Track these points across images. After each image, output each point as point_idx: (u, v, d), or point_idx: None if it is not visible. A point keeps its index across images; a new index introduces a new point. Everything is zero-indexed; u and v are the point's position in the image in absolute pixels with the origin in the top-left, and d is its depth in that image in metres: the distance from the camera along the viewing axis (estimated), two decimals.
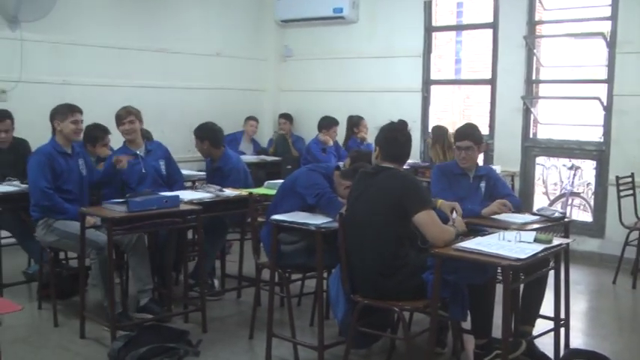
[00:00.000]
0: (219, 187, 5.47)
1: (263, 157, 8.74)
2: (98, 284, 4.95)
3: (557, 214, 4.71)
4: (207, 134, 6.01)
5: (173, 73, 8.69)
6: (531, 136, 7.90)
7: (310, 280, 5.08)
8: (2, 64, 7.18)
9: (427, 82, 8.61)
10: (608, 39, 7.13)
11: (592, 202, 8.10)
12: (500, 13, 7.88)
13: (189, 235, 5.55)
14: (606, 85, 7.25)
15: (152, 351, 4.31)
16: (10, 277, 5.76)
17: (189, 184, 6.50)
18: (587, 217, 8.42)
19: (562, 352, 4.29)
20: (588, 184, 9.53)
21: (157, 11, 8.50)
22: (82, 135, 5.54)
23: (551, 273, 4.22)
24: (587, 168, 9.43)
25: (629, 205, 6.50)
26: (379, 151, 4.04)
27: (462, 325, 4.38)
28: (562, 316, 4.34)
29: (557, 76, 8.07)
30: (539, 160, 8.61)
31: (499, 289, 3.73)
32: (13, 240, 5.84)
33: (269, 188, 5.64)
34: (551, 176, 10.61)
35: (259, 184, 6.12)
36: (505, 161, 7.71)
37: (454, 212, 4.32)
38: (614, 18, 7.08)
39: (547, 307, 4.41)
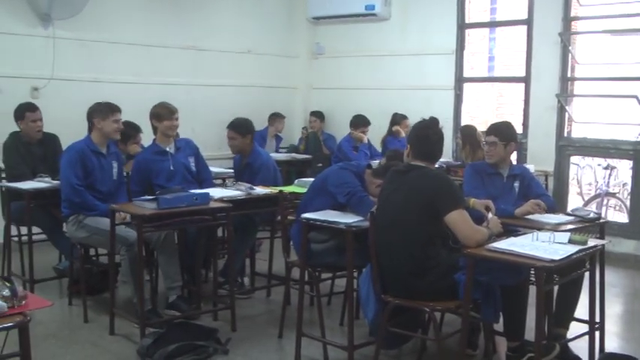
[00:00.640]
0: (249, 185, 5.45)
1: (293, 154, 8.72)
2: (128, 281, 4.97)
3: (592, 215, 4.62)
4: (251, 129, 5.99)
5: (204, 70, 8.71)
6: (566, 134, 7.78)
7: (340, 280, 5.06)
8: (35, 62, 7.24)
9: (460, 80, 8.53)
10: None
11: (628, 203, 7.96)
12: (534, 9, 7.77)
13: (219, 232, 5.54)
14: None
15: (181, 349, 4.31)
16: (41, 272, 5.80)
17: (219, 181, 6.49)
18: (622, 218, 8.28)
19: (597, 356, 4.20)
20: (624, 185, 9.36)
21: (188, 9, 8.52)
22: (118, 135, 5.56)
23: (586, 275, 4.13)
24: (623, 168, 9.27)
25: None
26: (410, 149, 3.99)
27: (494, 327, 4.30)
28: (597, 319, 4.24)
29: (593, 74, 7.93)
30: (574, 159, 8.49)
31: (532, 290, 3.66)
32: (43, 236, 5.87)
33: (299, 186, 5.61)
34: (586, 176, 10.44)
35: (289, 182, 6.09)
36: (539, 160, 7.59)
37: (489, 212, 4.24)
38: None
39: (581, 309, 4.32)
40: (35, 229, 5.65)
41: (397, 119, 8.38)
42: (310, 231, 4.38)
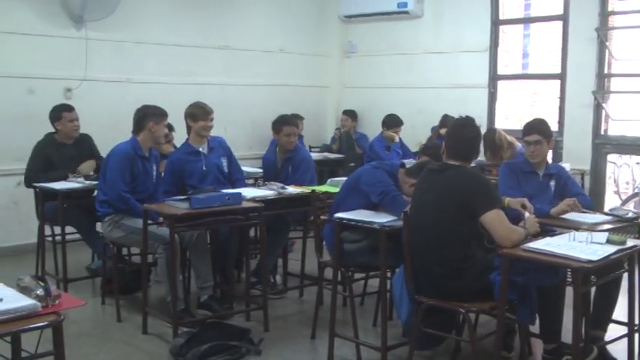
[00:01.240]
0: (281, 185, 5.44)
1: (326, 154, 8.69)
2: (162, 280, 4.99)
3: (630, 214, 4.52)
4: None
5: (236, 70, 8.72)
6: (602, 132, 7.64)
7: (373, 280, 5.01)
8: (68, 63, 7.30)
9: (494, 78, 8.44)
10: None
11: None
12: (570, 4, 7.64)
13: (252, 232, 5.53)
14: None
15: (214, 348, 4.31)
16: (74, 272, 5.85)
17: (251, 181, 6.49)
18: None
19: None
20: None
21: (219, 8, 8.53)
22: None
23: (625, 276, 4.04)
24: None
25: None
26: (445, 148, 3.94)
27: (530, 328, 4.24)
28: (636, 321, 4.14)
29: (631, 70, 7.77)
30: (611, 157, 8.35)
31: (569, 291, 3.60)
32: (77, 236, 5.92)
33: (332, 186, 5.58)
34: (623, 174, 10.27)
35: (322, 182, 6.08)
36: (575, 159, 7.46)
37: (526, 212, 4.17)
38: None
39: (620, 311, 4.24)
40: (68, 229, 5.69)
41: (448, 122, 8.24)
42: (343, 231, 4.36)
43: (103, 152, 5.87)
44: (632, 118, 7.97)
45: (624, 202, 8.60)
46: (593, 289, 4.16)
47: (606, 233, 3.71)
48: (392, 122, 8.23)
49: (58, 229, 5.70)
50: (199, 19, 8.35)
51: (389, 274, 4.33)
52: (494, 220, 3.66)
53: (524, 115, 9.02)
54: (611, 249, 3.49)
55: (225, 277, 5.44)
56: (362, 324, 4.74)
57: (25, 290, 2.62)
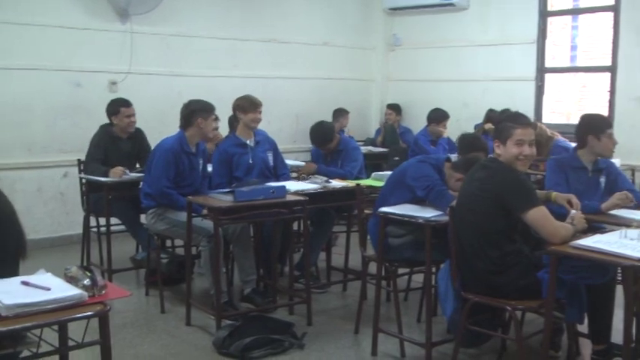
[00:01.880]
0: (325, 178, 5.41)
1: (370, 147, 8.64)
2: (206, 272, 5.00)
3: None
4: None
5: (280, 63, 8.71)
6: None
7: (417, 275, 4.96)
8: (113, 57, 7.37)
9: (541, 71, 8.30)
10: None
11: None
12: None
13: (295, 226, 5.52)
14: None
15: (257, 342, 4.32)
16: (118, 263, 5.91)
17: (294, 174, 6.47)
18: None
19: None
20: None
21: (264, 1, 8.54)
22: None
23: None
24: None
25: None
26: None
27: (579, 328, 4.15)
28: None
29: None
30: None
31: (619, 290, 3.51)
32: (122, 227, 5.98)
33: (376, 180, 5.55)
34: None
35: (366, 176, 6.03)
36: (625, 154, 7.24)
37: (573, 208, 4.07)
38: None
39: None
40: (113, 220, 5.75)
41: (492, 117, 8.13)
42: (388, 225, 4.31)
43: (150, 145, 5.93)
44: None
45: None
46: None
47: None
48: (439, 116, 8.11)
49: (103, 221, 5.77)
50: (244, 12, 8.35)
51: (434, 270, 4.28)
52: (538, 218, 3.58)
53: (572, 109, 8.86)
54: None
55: (268, 271, 5.44)
56: (406, 320, 4.71)
57: (72, 280, 2.64)
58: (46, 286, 2.55)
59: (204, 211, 4.91)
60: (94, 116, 6.11)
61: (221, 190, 4.85)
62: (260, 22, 8.50)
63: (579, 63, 8.68)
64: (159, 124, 6.69)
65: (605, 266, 3.52)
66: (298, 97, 8.84)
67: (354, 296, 5.19)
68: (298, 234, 5.81)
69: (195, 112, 5.21)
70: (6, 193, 2.81)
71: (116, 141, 5.99)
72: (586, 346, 4.19)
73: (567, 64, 8.76)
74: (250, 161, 5.52)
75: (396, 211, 4.26)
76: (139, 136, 6.16)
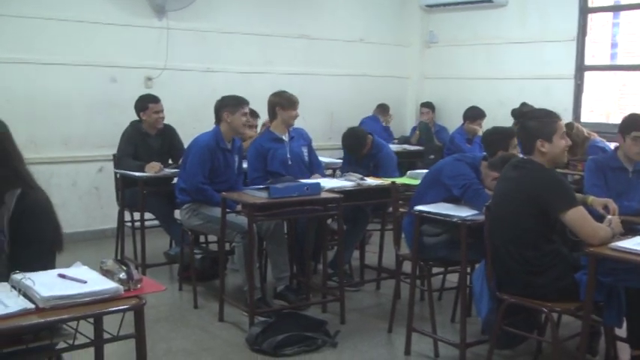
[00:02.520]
0: (360, 176, 5.38)
1: (405, 146, 8.59)
2: (239, 269, 5.00)
3: None
4: None
5: (315, 59, 8.70)
6: None
7: (452, 275, 4.90)
8: (149, 53, 7.43)
9: (581, 69, 8.17)
10: None
11: None
12: None
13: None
14: None
15: (290, 339, 4.31)
16: (152, 257, 5.95)
17: (329, 171, 6.46)
18: None
19: None
20: None
21: None
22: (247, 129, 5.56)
23: None
24: None
25: None
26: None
27: (617, 332, 4.07)
28: None
29: None
30: None
31: None
32: (156, 222, 6.00)
33: (411, 178, 5.50)
34: None
35: (401, 174, 5.98)
36: None
37: (609, 213, 3.97)
38: None
39: None
40: (147, 215, 5.78)
41: (517, 114, 8.04)
42: (423, 223, 4.27)
43: (183, 141, 5.95)
44: None
45: None
46: None
47: None
48: (475, 115, 8.04)
49: (137, 215, 5.80)
50: (280, 7, 8.35)
51: (468, 270, 4.24)
52: (576, 219, 3.51)
53: (612, 108, 8.72)
54: None
55: (301, 268, 5.43)
56: (440, 319, 4.66)
57: (108, 273, 2.65)
58: (82, 279, 2.56)
59: (239, 207, 4.90)
60: (128, 112, 6.13)
61: (255, 186, 4.85)
62: (295, 18, 8.49)
63: (620, 61, 8.54)
64: (193, 120, 6.72)
65: None
66: (333, 94, 8.81)
67: (388, 295, 5.16)
68: (332, 231, 5.79)
69: (222, 107, 5.24)
70: (42, 187, 2.83)
71: (145, 137, 6.02)
72: (624, 351, 4.10)
73: (607, 62, 8.62)
74: (287, 156, 5.51)
75: (432, 210, 4.22)
76: (168, 132, 6.17)
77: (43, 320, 2.33)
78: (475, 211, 4.09)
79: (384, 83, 9.38)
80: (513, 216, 3.64)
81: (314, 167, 5.74)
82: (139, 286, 2.61)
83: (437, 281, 5.19)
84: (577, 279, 3.55)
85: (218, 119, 5.27)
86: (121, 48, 7.23)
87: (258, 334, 4.33)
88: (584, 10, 8.12)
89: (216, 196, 5.05)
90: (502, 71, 8.75)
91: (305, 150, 5.68)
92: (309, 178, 5.34)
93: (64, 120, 6.95)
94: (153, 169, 5.63)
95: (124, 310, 2.51)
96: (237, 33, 7.99)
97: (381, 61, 9.38)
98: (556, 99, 7.69)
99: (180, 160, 5.63)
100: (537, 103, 7.47)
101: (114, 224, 6.30)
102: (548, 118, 3.73)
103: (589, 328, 3.63)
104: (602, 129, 6.86)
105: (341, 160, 6.50)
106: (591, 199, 4.13)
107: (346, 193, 5.00)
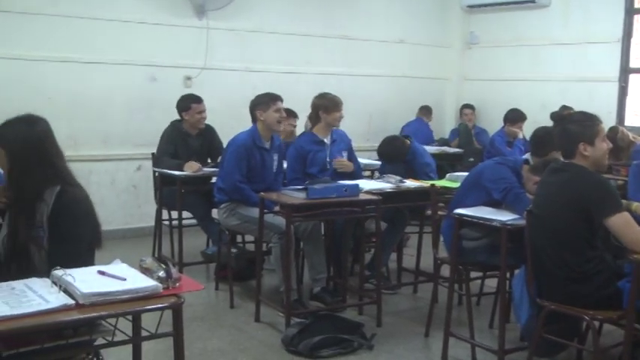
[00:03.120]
0: (399, 178, 5.33)
1: (444, 148, 8.52)
2: (276, 269, 4.99)
3: None
4: None
5: (355, 60, 8.67)
6: None
7: (491, 280, 4.84)
8: (189, 52, 7.47)
9: (626, 71, 8.04)
10: None
11: None
12: None
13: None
14: None
15: (326, 341, 4.29)
16: (189, 256, 5.96)
17: (367, 173, 6.42)
18: None
19: None
20: None
21: None
22: (282, 125, 5.52)
23: None
24: None
25: None
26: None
27: None
28: None
29: None
30: None
31: None
32: (193, 221, 6.02)
33: (451, 181, 5.44)
34: None
35: (440, 177, 5.93)
36: None
37: None
38: None
39: None
40: (185, 214, 5.80)
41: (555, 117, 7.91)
42: (462, 227, 4.22)
43: (222, 140, 5.96)
44: None
45: None
46: None
47: None
48: (516, 117, 7.93)
49: (175, 214, 5.83)
50: (319, 8, 8.34)
51: (508, 275, 4.18)
52: (620, 224, 3.44)
53: None
54: None
55: (338, 270, 5.40)
56: (478, 325, 4.59)
57: (146, 271, 2.65)
58: (121, 276, 2.57)
59: (276, 208, 4.89)
60: (168, 111, 6.17)
61: (294, 187, 4.83)
62: (335, 19, 8.48)
63: None
64: (232, 120, 6.73)
65: None
66: (372, 95, 8.78)
67: (425, 298, 5.12)
68: (370, 233, 5.76)
69: (255, 105, 5.23)
70: (81, 185, 2.85)
71: (185, 137, 6.03)
72: None
73: None
74: (327, 159, 5.47)
75: (471, 214, 4.16)
76: (208, 132, 6.17)
77: (82, 316, 2.34)
78: (516, 216, 4.02)
79: (423, 84, 9.31)
80: (555, 220, 3.58)
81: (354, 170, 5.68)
82: (177, 284, 2.61)
83: (475, 286, 5.14)
84: (620, 287, 3.48)
85: (253, 118, 5.26)
86: (161, 47, 7.28)
87: (295, 335, 4.32)
88: (630, 11, 7.98)
89: (253, 196, 5.04)
90: (544, 73, 8.65)
91: (345, 154, 5.63)
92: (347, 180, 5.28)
93: (104, 118, 7.03)
94: (191, 168, 5.65)
95: (162, 309, 2.51)
96: (276, 33, 8.00)
97: (421, 63, 9.32)
98: (600, 102, 7.56)
99: (219, 159, 5.63)
100: (580, 105, 7.36)
101: (151, 222, 6.34)
102: (589, 121, 3.67)
103: (631, 338, 3.54)
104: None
105: (379, 162, 6.45)
106: (635, 205, 4.03)
107: (385, 195, 4.96)
